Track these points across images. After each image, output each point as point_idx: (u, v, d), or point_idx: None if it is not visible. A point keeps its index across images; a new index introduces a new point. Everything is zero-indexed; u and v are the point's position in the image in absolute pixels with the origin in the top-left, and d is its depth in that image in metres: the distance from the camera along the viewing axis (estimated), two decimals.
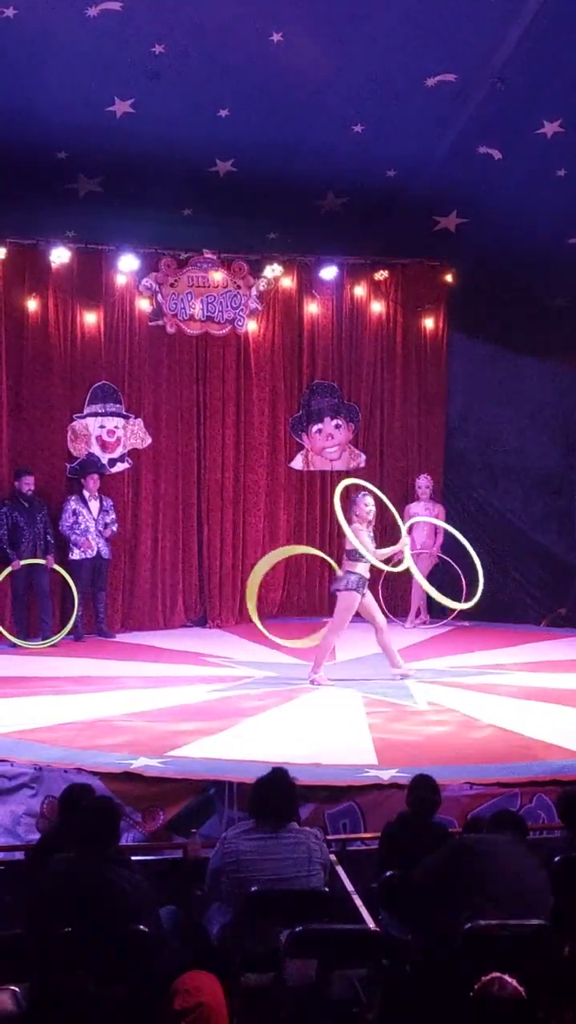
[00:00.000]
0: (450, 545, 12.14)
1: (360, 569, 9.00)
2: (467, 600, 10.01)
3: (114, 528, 11.15)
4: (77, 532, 10.93)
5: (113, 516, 11.17)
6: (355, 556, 8.96)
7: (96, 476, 11.17)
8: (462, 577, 11.65)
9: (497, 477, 13.05)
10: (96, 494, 11.09)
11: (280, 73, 9.83)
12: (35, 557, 10.72)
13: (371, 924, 4.54)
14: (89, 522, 10.97)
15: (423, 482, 12.20)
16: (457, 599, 11.01)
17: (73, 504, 10.99)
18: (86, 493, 11.05)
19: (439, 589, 11.73)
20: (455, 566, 11.78)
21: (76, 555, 10.92)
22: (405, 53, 9.70)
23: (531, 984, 3.26)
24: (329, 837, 5.55)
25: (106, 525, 11.07)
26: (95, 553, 10.99)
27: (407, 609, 12.14)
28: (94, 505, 11.05)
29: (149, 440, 11.80)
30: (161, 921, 4.16)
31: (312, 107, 10.29)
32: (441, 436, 12.94)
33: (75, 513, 10.95)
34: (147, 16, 9.18)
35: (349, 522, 9.00)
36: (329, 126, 10.54)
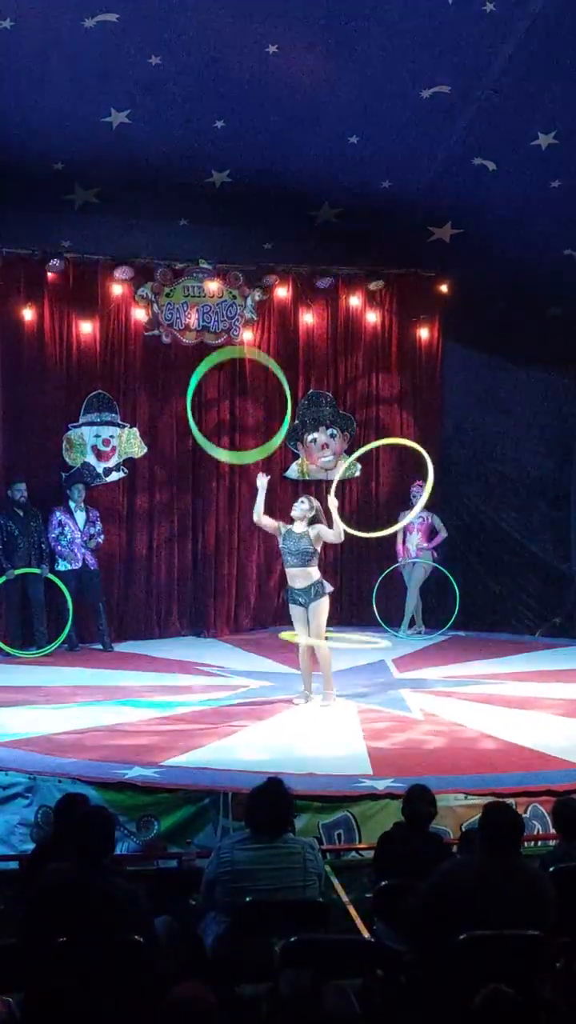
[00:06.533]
0: (445, 553, 12.16)
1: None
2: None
3: (100, 539, 11.08)
4: (62, 544, 10.88)
5: (100, 527, 11.10)
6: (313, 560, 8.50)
7: (82, 487, 11.11)
8: (456, 587, 11.69)
9: (492, 487, 13.05)
10: (82, 505, 11.02)
11: (276, 84, 9.88)
12: (29, 566, 10.70)
13: (366, 934, 4.54)
14: (75, 533, 10.90)
15: (416, 490, 12.20)
16: (452, 608, 11.02)
17: (59, 516, 10.92)
18: (72, 504, 11.00)
19: (435, 597, 11.75)
20: (448, 575, 11.80)
21: (61, 567, 10.88)
22: (400, 64, 9.75)
23: (528, 995, 3.26)
24: (324, 847, 5.54)
25: (91, 536, 10.98)
26: (80, 565, 10.92)
27: (401, 618, 12.12)
28: (80, 516, 10.97)
29: (145, 449, 11.80)
30: (156, 931, 4.15)
31: (307, 118, 10.34)
32: (436, 446, 12.93)
33: (61, 524, 10.89)
34: (143, 27, 9.22)
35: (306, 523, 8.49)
36: (324, 137, 10.59)
